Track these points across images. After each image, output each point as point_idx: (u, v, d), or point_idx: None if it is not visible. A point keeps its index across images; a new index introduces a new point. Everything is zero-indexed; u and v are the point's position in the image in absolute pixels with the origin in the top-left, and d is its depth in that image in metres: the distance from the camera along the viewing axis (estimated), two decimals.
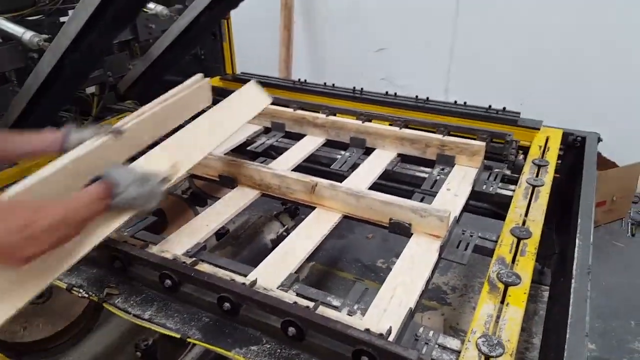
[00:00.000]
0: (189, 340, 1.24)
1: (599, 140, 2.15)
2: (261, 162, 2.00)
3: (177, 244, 1.53)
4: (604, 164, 3.19)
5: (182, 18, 2.49)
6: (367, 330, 1.07)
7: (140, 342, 1.84)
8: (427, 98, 2.58)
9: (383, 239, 2.98)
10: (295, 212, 2.62)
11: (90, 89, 2.78)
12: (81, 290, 1.42)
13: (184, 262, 1.36)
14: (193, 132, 1.73)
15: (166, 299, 1.38)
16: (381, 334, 1.07)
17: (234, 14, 3.10)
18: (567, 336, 1.20)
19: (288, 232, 2.32)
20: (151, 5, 2.68)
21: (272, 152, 2.31)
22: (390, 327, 1.12)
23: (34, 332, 1.84)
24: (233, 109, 2.02)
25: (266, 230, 2.53)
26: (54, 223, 0.99)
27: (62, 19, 2.35)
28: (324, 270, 2.85)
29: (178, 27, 2.50)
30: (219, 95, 2.88)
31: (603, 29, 3.33)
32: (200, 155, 1.69)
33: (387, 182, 2.08)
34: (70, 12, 2.28)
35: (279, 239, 2.26)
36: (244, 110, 2.07)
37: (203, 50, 3.22)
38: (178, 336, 1.25)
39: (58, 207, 1.03)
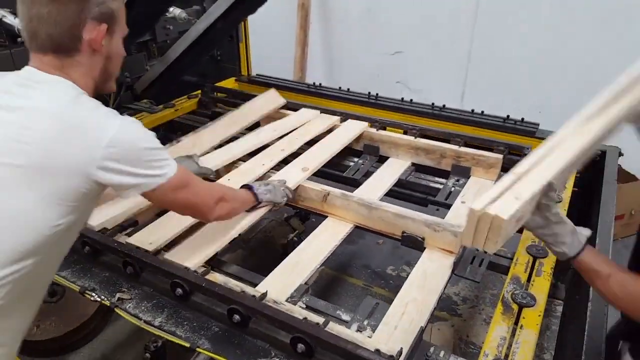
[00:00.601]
0: (198, 349, 1.24)
1: (620, 154, 2.10)
2: (273, 168, 2.00)
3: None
4: (623, 176, 3.12)
5: (200, 22, 2.50)
6: (377, 351, 1.06)
7: (149, 344, 1.86)
8: (444, 106, 2.55)
9: (394, 245, 2.95)
10: (306, 216, 2.61)
11: None
12: (94, 294, 1.43)
13: (196, 272, 1.36)
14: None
15: (177, 306, 1.38)
16: (391, 356, 1.06)
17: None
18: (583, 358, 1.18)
19: (299, 237, 2.32)
20: (169, 8, 2.69)
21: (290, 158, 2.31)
22: (401, 348, 1.11)
23: (47, 331, 1.87)
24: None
25: (277, 235, 2.53)
26: (237, 202, 1.49)
27: None
28: (334, 275, 2.84)
29: (196, 31, 2.51)
30: (234, 97, 2.90)
31: (626, 36, 3.25)
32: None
33: (401, 189, 2.07)
34: None
35: (290, 244, 2.27)
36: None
37: (219, 51, 3.23)
38: (187, 345, 1.25)
39: (239, 194, 1.57)
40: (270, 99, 2.57)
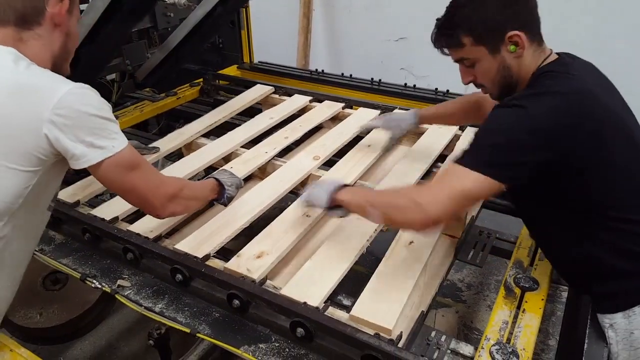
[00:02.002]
0: (198, 335, 1.24)
1: None
2: (277, 155, 1.98)
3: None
4: None
5: (199, 7, 2.46)
6: (377, 334, 1.05)
7: (153, 331, 1.86)
8: (447, 91, 2.51)
9: (397, 232, 2.94)
10: None
11: (111, 76, 2.79)
12: (94, 281, 1.43)
13: (195, 257, 1.35)
14: None
15: (177, 292, 1.38)
16: (391, 340, 1.05)
17: (252, 1, 3.07)
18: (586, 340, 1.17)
19: None
20: None
21: (293, 146, 2.29)
22: (401, 332, 1.10)
23: (50, 318, 1.88)
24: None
25: None
26: (195, 200, 1.36)
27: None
28: None
29: (195, 17, 2.48)
30: (236, 84, 2.88)
31: (631, 29, 3.20)
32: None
33: None
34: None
35: None
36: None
37: (221, 39, 3.20)
38: (188, 331, 1.25)
39: (199, 190, 1.41)
40: (258, 90, 2.57)
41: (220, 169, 1.69)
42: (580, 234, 1.16)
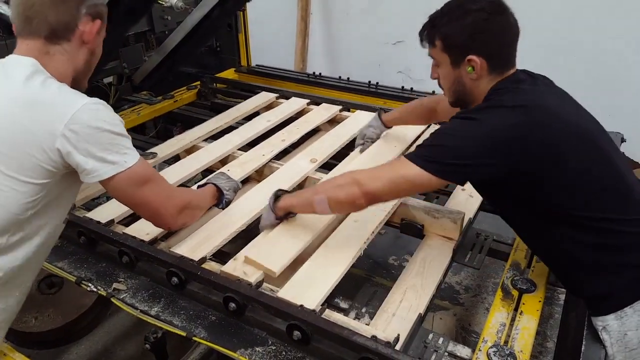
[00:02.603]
0: (194, 339, 1.23)
1: (623, 140, 2.06)
2: (274, 157, 1.97)
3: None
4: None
5: (196, 10, 2.46)
6: (374, 337, 1.04)
7: (149, 335, 1.85)
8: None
9: (395, 235, 2.92)
10: None
11: (108, 79, 2.78)
12: (90, 284, 1.42)
13: (191, 260, 1.34)
14: None
15: (173, 295, 1.37)
16: (388, 342, 1.04)
17: (250, 4, 3.07)
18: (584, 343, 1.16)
19: None
20: None
21: (290, 149, 2.29)
22: (398, 335, 1.09)
23: (45, 322, 1.86)
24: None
25: None
26: (201, 209, 1.43)
27: None
28: None
29: (193, 20, 2.48)
30: (234, 88, 2.88)
31: (628, 27, 3.21)
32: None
33: None
34: None
35: None
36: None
37: (219, 42, 3.20)
38: (184, 334, 1.24)
39: (204, 198, 1.47)
40: (261, 97, 2.58)
41: (217, 172, 1.69)
42: (557, 237, 1.18)
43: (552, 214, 1.16)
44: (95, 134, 1.02)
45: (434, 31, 1.24)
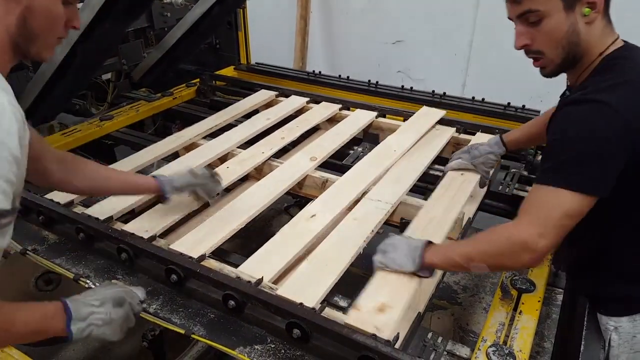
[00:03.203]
0: (193, 336, 1.23)
1: None
2: (274, 155, 1.97)
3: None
4: None
5: (196, 7, 2.46)
6: (374, 336, 1.04)
7: (147, 332, 1.84)
8: (444, 93, 2.52)
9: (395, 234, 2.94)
10: (306, 205, 2.59)
11: (107, 76, 2.78)
12: (88, 281, 1.41)
13: (190, 258, 1.34)
14: None
15: (172, 292, 1.37)
16: (388, 341, 1.04)
17: (250, 2, 3.07)
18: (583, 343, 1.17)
19: None
20: None
21: (289, 147, 2.29)
22: (398, 333, 1.09)
23: None
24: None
25: (275, 223, 2.51)
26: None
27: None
28: None
29: (192, 17, 2.47)
30: (233, 85, 2.88)
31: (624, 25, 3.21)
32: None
33: None
34: None
35: None
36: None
37: (218, 40, 3.19)
38: (183, 332, 1.24)
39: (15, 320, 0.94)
40: (263, 95, 2.57)
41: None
42: (609, 227, 1.14)
43: (624, 206, 1.08)
44: None
45: None
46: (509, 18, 1.11)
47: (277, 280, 1.32)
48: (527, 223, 1.03)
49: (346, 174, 1.79)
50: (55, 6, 0.93)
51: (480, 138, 1.95)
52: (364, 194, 1.65)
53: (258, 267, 1.31)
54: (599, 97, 0.97)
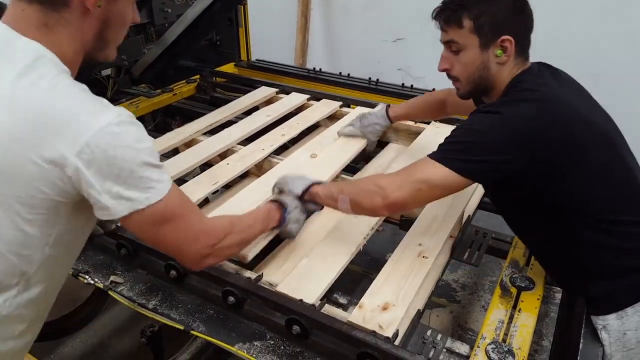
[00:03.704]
0: (192, 332, 1.23)
1: None
2: (274, 152, 1.97)
3: None
4: None
5: (197, 3, 2.45)
6: (374, 332, 1.04)
7: (146, 329, 1.84)
8: None
9: (393, 232, 2.92)
10: None
11: (106, 71, 2.76)
12: (87, 277, 1.41)
13: None
14: None
15: (171, 288, 1.37)
16: (387, 337, 1.04)
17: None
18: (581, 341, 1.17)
19: None
20: None
21: (289, 144, 2.28)
22: (397, 330, 1.09)
23: None
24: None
25: None
26: (237, 242, 1.14)
27: None
28: None
29: (193, 13, 2.46)
30: (233, 82, 2.87)
31: (624, 26, 3.21)
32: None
33: None
34: None
35: None
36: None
37: (219, 36, 3.18)
38: (182, 327, 1.24)
39: (245, 227, 1.18)
40: (261, 92, 2.57)
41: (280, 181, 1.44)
42: (565, 236, 1.18)
43: (565, 212, 1.15)
44: (113, 164, 0.81)
45: (462, 11, 1.16)
46: (440, 41, 1.25)
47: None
48: (393, 175, 1.23)
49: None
50: (128, 11, 0.97)
51: None
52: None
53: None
54: (493, 109, 1.13)
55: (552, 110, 1.09)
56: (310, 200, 1.37)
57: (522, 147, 1.08)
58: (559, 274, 1.30)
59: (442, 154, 1.14)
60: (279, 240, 1.44)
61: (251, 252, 1.32)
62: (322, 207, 1.41)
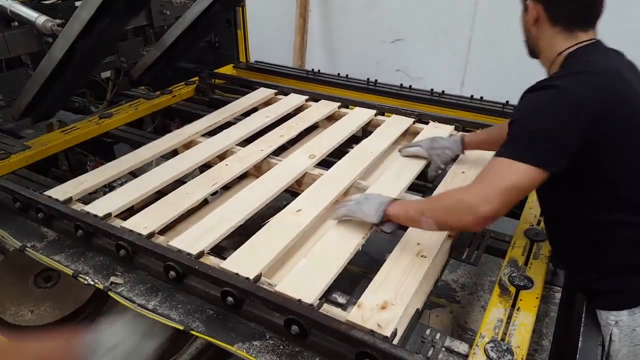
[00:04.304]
0: (192, 332, 1.23)
1: None
2: (272, 153, 1.97)
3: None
4: None
5: (196, 5, 2.46)
6: (372, 332, 1.05)
7: None
8: (443, 92, 2.52)
9: (393, 233, 2.93)
10: None
11: (106, 74, 2.77)
12: (87, 278, 1.42)
13: (189, 254, 1.34)
14: None
15: (171, 289, 1.37)
16: (386, 337, 1.04)
17: (249, 0, 3.06)
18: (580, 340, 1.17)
19: None
20: None
21: (288, 145, 2.29)
22: (396, 329, 1.09)
23: (42, 316, 1.85)
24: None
25: None
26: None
27: (77, 4, 2.34)
28: None
29: (192, 15, 2.47)
30: (232, 83, 2.87)
31: (624, 25, 3.21)
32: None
33: None
34: None
35: None
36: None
37: (217, 38, 3.19)
38: (181, 328, 1.24)
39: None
40: (260, 93, 2.57)
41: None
42: (597, 222, 1.16)
43: (605, 198, 1.13)
44: None
45: None
46: None
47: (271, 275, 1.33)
48: (476, 188, 1.14)
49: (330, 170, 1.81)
50: None
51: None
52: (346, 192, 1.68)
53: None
54: (548, 83, 1.09)
55: (614, 83, 1.07)
56: (386, 222, 1.38)
57: (585, 120, 1.03)
58: (575, 260, 1.28)
59: (515, 150, 1.08)
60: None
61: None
62: (397, 228, 1.42)
